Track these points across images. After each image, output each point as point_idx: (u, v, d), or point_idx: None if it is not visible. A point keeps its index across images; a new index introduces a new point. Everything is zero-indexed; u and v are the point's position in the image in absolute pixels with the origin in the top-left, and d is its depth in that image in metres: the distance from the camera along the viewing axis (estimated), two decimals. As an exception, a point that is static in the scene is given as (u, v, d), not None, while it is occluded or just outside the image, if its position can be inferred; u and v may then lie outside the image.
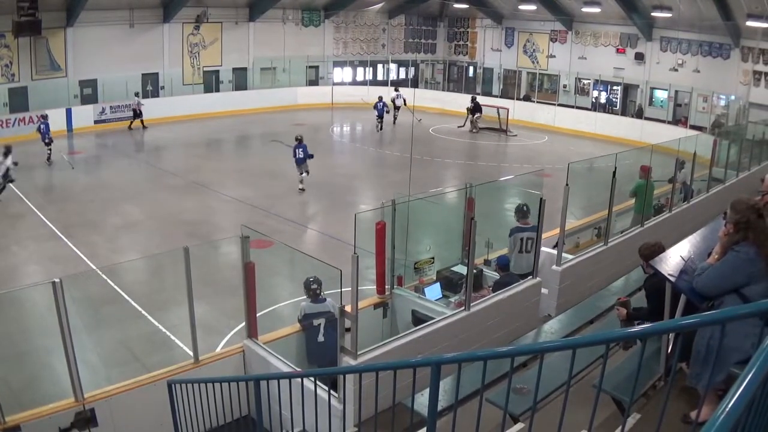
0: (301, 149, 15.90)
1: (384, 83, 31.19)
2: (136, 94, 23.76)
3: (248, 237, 6.10)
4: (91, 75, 23.11)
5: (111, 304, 9.59)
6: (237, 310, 7.18)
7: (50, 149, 18.29)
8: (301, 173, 16.04)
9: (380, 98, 24.46)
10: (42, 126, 18.31)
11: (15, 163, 15.09)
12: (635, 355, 4.63)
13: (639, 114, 25.38)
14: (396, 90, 26.39)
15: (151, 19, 24.56)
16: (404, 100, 25.58)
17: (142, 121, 23.28)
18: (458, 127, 25.31)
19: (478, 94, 27.70)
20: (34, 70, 22.03)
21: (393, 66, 32.36)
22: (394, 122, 25.29)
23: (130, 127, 23.03)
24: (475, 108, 24.98)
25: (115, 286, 9.99)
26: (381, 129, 24.35)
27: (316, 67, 29.98)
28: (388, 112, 24.49)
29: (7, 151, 14.95)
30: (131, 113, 23.15)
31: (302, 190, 16.04)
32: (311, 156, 15.99)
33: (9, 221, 13.29)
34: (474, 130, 24.89)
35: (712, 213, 9.74)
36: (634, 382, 3.11)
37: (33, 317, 8.50)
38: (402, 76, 32.61)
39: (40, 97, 21.69)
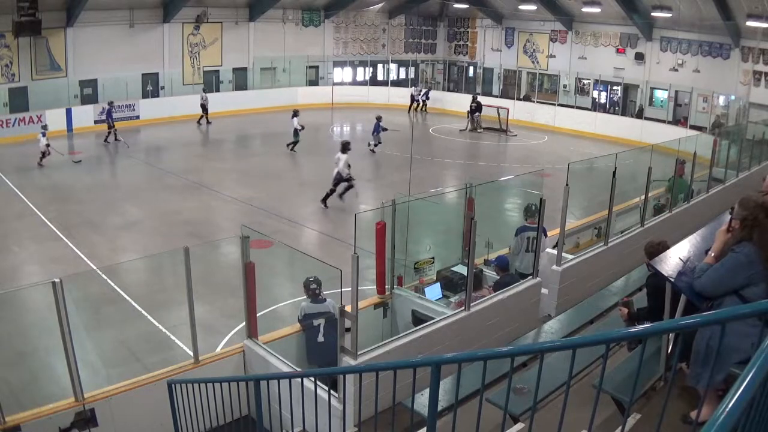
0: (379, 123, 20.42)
1: (384, 83, 31.22)
2: (204, 90, 25.14)
3: (248, 237, 6.10)
4: (91, 75, 23.11)
5: (111, 304, 9.58)
6: (237, 310, 7.19)
7: (110, 131, 20.55)
8: (370, 142, 20.50)
9: (429, 89, 29.64)
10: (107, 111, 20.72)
11: (302, 127, 19.82)
12: (635, 355, 4.63)
13: (639, 114, 25.38)
14: (426, 87, 29.61)
15: (151, 19, 24.56)
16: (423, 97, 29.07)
17: (205, 116, 24.32)
18: (460, 131, 25.22)
19: (479, 93, 27.64)
20: (34, 70, 22.03)
21: (393, 66, 32.36)
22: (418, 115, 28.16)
23: (208, 122, 24.47)
24: (477, 107, 25.04)
25: (115, 286, 9.98)
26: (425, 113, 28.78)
27: (316, 67, 29.97)
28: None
29: (295, 114, 19.95)
30: (200, 109, 24.36)
31: (372, 152, 20.30)
32: (385, 129, 20.39)
33: (9, 221, 13.29)
34: (479, 130, 24.85)
35: (712, 213, 9.75)
36: (634, 382, 3.11)
37: (33, 317, 8.50)
38: (402, 76, 32.63)
39: (40, 97, 21.69)
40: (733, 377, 3.02)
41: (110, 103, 21.10)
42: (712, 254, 3.72)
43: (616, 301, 6.94)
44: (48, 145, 18.01)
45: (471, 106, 25.28)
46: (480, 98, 25.75)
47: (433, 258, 7.80)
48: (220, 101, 26.10)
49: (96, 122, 22.80)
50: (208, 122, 24.50)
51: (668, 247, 4.64)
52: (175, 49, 25.49)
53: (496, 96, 29.18)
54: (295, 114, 20.02)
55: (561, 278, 7.72)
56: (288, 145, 20.10)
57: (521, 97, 28.64)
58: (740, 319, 2.84)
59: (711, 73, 24.06)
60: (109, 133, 20.64)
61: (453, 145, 22.87)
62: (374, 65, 31.83)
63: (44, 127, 18.75)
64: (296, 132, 19.90)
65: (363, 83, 31.00)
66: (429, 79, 33.40)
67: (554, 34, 29.05)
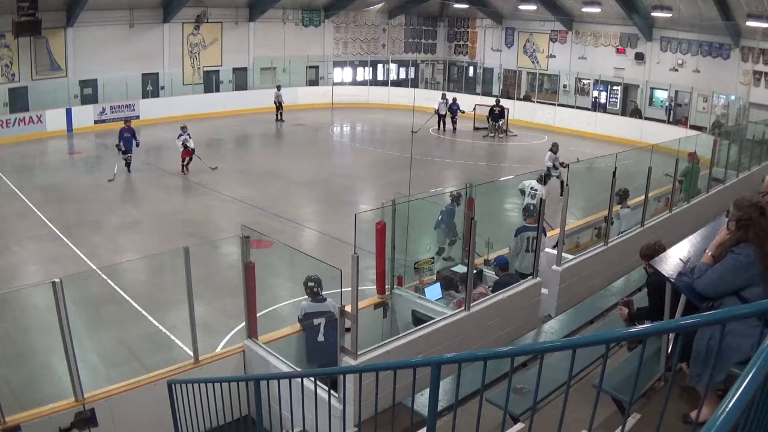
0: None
1: (384, 83, 31.21)
2: (278, 87, 25.77)
3: (248, 237, 6.10)
4: (91, 75, 23.11)
5: (111, 304, 9.58)
6: (237, 310, 7.18)
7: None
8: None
9: (455, 99, 25.06)
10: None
11: (564, 164, 14.66)
12: (635, 355, 4.63)
13: (635, 113, 25.34)
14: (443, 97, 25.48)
15: (151, 19, 24.55)
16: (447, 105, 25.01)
17: (279, 113, 25.23)
18: (483, 137, 24.16)
19: (499, 97, 26.52)
20: (34, 70, 22.03)
21: (393, 66, 32.35)
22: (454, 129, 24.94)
23: (281, 119, 25.22)
24: (500, 113, 24.23)
25: (115, 286, 9.98)
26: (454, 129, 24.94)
27: (316, 67, 29.96)
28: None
29: (554, 149, 15.33)
30: (274, 106, 25.22)
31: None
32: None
33: (9, 221, 13.29)
34: (501, 135, 24.41)
35: (712, 213, 9.75)
36: (634, 382, 3.11)
37: (33, 317, 8.50)
38: (402, 76, 32.62)
39: (40, 97, 21.70)
40: (733, 377, 3.02)
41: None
42: (709, 253, 3.72)
43: (616, 301, 6.93)
44: (192, 150, 17.14)
45: (494, 111, 24.14)
46: (478, 99, 25.37)
47: (433, 258, 7.80)
48: (220, 101, 26.09)
49: (96, 122, 22.81)
50: (280, 120, 25.05)
51: (664, 248, 4.64)
52: (175, 49, 25.48)
53: (496, 96, 29.16)
54: (554, 149, 15.46)
55: (561, 278, 7.72)
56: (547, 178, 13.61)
57: (521, 97, 28.62)
58: (740, 319, 2.85)
59: (711, 73, 24.04)
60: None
61: (453, 145, 22.86)
62: (374, 65, 31.81)
63: (183, 128, 17.46)
64: (553, 168, 15.21)
65: (363, 83, 30.97)
66: (429, 79, 33.38)
67: (554, 34, 29.05)
